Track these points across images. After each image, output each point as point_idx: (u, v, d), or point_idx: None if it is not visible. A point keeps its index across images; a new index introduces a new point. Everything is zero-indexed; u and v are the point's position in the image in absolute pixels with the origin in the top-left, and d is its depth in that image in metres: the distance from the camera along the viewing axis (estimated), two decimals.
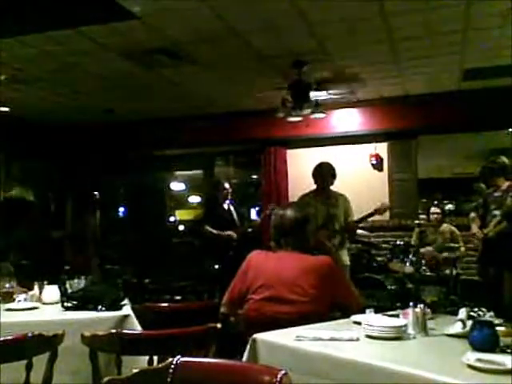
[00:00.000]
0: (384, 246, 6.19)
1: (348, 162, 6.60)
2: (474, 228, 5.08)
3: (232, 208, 6.02)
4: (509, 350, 1.85)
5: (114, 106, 6.73)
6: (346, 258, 4.92)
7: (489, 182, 5.06)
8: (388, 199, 6.58)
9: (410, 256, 5.48)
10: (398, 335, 2.10)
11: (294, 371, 1.81)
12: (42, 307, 3.02)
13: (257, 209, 7.94)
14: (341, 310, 2.70)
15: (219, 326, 2.32)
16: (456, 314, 2.27)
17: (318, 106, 5.35)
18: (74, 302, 2.91)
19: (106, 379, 1.65)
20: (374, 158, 6.66)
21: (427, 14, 4.00)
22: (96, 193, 8.17)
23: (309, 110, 5.30)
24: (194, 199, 9.40)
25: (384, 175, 6.69)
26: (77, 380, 2.51)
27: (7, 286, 3.24)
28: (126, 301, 3.04)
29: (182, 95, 6.24)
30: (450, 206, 7.19)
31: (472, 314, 2.28)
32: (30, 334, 2.10)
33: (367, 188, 6.38)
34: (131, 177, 8.15)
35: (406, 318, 2.23)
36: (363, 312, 2.43)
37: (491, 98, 5.97)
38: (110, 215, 8.43)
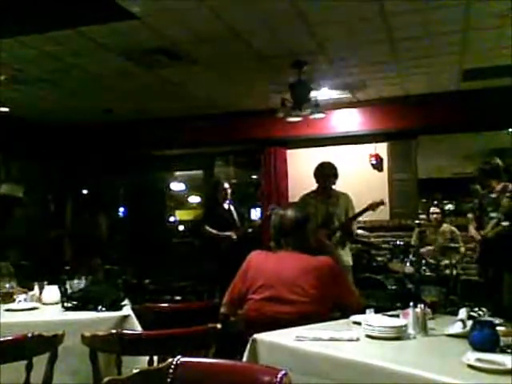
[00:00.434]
0: (384, 246, 6.19)
1: (348, 162, 6.60)
2: (472, 230, 5.08)
3: (232, 208, 6.01)
4: (509, 350, 1.85)
5: (114, 106, 6.73)
6: (348, 259, 4.90)
7: (483, 184, 5.05)
8: (388, 199, 6.59)
9: (410, 256, 5.48)
10: (398, 335, 2.10)
11: (294, 371, 1.81)
12: (42, 307, 3.01)
13: (257, 209, 7.93)
14: (341, 310, 2.71)
15: (219, 326, 2.32)
16: (456, 314, 2.27)
17: (318, 106, 5.35)
18: (74, 303, 2.91)
19: (106, 379, 1.65)
20: (373, 158, 6.66)
21: (427, 15, 4.00)
22: (95, 193, 8.19)
23: (308, 110, 5.30)
24: (194, 199, 9.40)
25: (384, 175, 6.69)
26: (77, 380, 2.52)
27: (7, 286, 3.24)
28: (126, 301, 3.04)
29: (181, 95, 6.24)
30: (449, 206, 7.19)
31: (472, 314, 2.28)
32: (30, 335, 2.10)
33: (367, 188, 6.37)
34: (131, 177, 8.15)
35: (406, 318, 2.23)
36: (363, 312, 2.43)
37: (491, 98, 5.97)
38: (110, 215, 8.43)
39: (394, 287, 5.35)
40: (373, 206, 4.92)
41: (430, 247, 5.90)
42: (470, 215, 5.24)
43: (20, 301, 3.07)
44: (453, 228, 6.09)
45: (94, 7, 3.72)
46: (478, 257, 5.02)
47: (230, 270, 3.04)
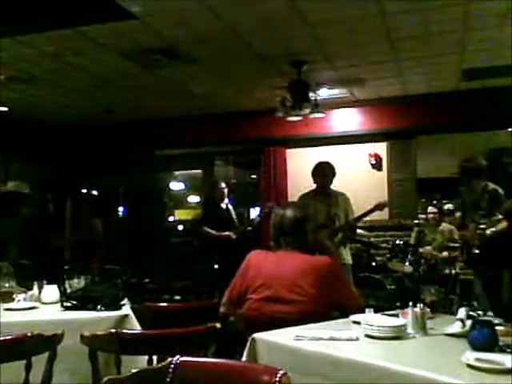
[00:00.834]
0: (383, 245, 6.19)
1: (347, 161, 6.60)
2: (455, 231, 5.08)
3: (230, 207, 6.01)
4: (508, 350, 1.85)
5: (114, 106, 6.73)
6: (348, 258, 4.93)
7: (464, 182, 5.00)
8: (387, 199, 6.59)
9: (409, 256, 5.48)
10: (398, 335, 2.10)
11: (294, 371, 1.81)
12: (42, 307, 3.01)
13: (257, 208, 7.93)
14: (340, 310, 2.70)
15: (219, 325, 2.32)
16: (455, 313, 2.27)
17: (318, 106, 5.36)
18: (74, 302, 2.91)
19: (105, 379, 1.65)
20: (373, 158, 6.66)
21: (426, 14, 4.00)
22: (96, 193, 8.19)
23: (308, 110, 5.31)
24: (194, 199, 9.40)
25: (383, 175, 6.69)
26: (76, 380, 2.51)
27: (6, 285, 3.23)
28: (125, 300, 3.04)
29: (181, 95, 6.24)
30: (449, 206, 7.19)
31: (471, 313, 2.28)
32: (29, 334, 2.10)
33: (366, 188, 6.38)
34: (131, 176, 8.15)
35: (406, 317, 2.23)
36: (363, 312, 2.43)
37: (490, 97, 5.97)
38: (110, 215, 8.43)
39: (393, 287, 5.35)
40: (379, 207, 4.98)
41: (428, 247, 5.90)
42: (457, 214, 5.24)
43: (19, 300, 3.07)
44: (452, 227, 6.09)
45: (93, 7, 3.73)
46: (466, 258, 4.98)
47: (230, 269, 3.04)
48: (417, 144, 6.69)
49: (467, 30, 4.33)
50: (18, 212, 5.10)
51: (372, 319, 2.21)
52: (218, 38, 4.39)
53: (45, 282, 3.17)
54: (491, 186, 4.69)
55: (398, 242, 5.79)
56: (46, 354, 2.17)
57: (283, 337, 2.16)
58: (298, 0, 3.70)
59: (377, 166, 6.68)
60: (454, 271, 5.53)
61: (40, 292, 3.13)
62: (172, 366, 1.72)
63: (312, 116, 5.45)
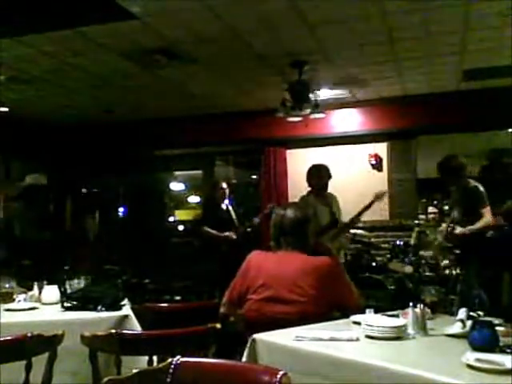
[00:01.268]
0: (384, 246, 6.19)
1: (347, 162, 6.60)
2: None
3: (230, 208, 6.00)
4: (508, 350, 1.85)
5: (114, 106, 6.73)
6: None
7: (445, 183, 5.00)
8: (388, 199, 6.59)
9: (410, 256, 5.48)
10: (398, 335, 2.11)
11: (294, 371, 1.81)
12: (42, 307, 3.01)
13: (257, 209, 7.92)
14: (340, 310, 2.70)
15: (219, 326, 2.32)
16: (455, 314, 2.27)
17: (318, 106, 5.36)
18: (74, 303, 2.91)
19: (105, 379, 1.65)
20: (373, 158, 6.66)
21: (427, 15, 4.00)
22: (96, 192, 8.19)
23: (308, 110, 5.31)
24: (194, 199, 9.39)
25: (383, 175, 6.68)
26: (76, 380, 2.52)
27: (7, 286, 3.24)
28: (125, 301, 3.04)
29: (181, 95, 6.24)
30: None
31: (472, 314, 2.28)
32: (29, 335, 2.10)
33: (366, 188, 6.36)
34: (131, 177, 8.15)
35: (406, 318, 2.23)
36: (363, 312, 2.43)
37: (491, 98, 5.97)
38: (110, 215, 8.43)
39: (393, 287, 5.35)
40: (379, 196, 5.02)
41: (430, 253, 5.88)
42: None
43: (19, 301, 3.07)
44: None
45: (93, 7, 3.72)
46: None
47: (230, 269, 3.04)
48: (417, 144, 6.69)
49: (467, 31, 4.33)
50: (38, 204, 5.23)
51: (372, 320, 2.21)
52: (218, 38, 4.38)
53: (45, 282, 3.17)
54: (472, 183, 4.68)
55: (398, 242, 5.78)
56: (46, 355, 2.17)
57: (283, 337, 2.16)
58: (299, 0, 3.70)
59: (377, 166, 6.68)
60: (454, 272, 5.53)
61: (40, 292, 3.14)
62: (172, 366, 1.72)
63: (312, 116, 5.45)
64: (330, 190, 5.22)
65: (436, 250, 5.87)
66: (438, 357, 1.92)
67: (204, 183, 7.88)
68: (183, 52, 4.72)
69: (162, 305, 3.33)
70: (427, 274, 5.37)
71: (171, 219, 8.93)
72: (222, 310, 2.84)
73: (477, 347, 1.86)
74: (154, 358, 2.25)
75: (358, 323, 2.29)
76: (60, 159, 7.66)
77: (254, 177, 8.15)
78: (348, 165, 6.52)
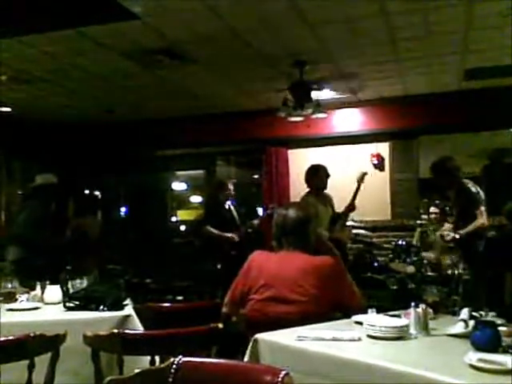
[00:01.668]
0: (386, 245, 6.19)
1: (349, 161, 6.60)
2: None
3: (232, 208, 6.00)
4: (511, 350, 1.85)
5: (115, 106, 6.73)
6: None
7: (439, 184, 4.99)
8: (389, 199, 6.61)
9: (412, 256, 5.48)
10: (400, 335, 2.10)
11: (296, 371, 1.81)
12: (44, 307, 3.02)
13: (259, 209, 7.93)
14: (342, 310, 2.70)
15: (221, 326, 2.32)
16: (457, 314, 2.27)
17: (320, 106, 5.36)
18: (76, 302, 2.91)
19: (107, 379, 1.66)
20: (375, 158, 6.66)
21: (428, 14, 4.00)
22: (98, 193, 8.20)
23: (310, 110, 5.32)
24: (196, 199, 9.39)
25: (385, 175, 6.68)
26: (79, 380, 2.52)
27: (9, 286, 3.24)
28: (127, 301, 3.04)
29: (182, 95, 6.24)
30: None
31: (474, 314, 2.28)
32: (31, 334, 2.11)
33: (368, 188, 6.36)
34: (133, 177, 8.16)
35: (408, 318, 2.22)
36: (365, 312, 2.43)
37: (492, 97, 5.96)
38: (112, 215, 8.44)
39: (395, 287, 5.34)
40: (360, 180, 5.22)
41: (432, 255, 5.87)
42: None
43: (22, 300, 3.07)
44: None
45: (95, 7, 3.73)
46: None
47: (232, 269, 3.04)
48: (419, 144, 6.68)
49: (469, 30, 4.33)
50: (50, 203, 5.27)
51: (374, 320, 2.21)
52: (219, 38, 4.38)
53: (47, 282, 3.18)
54: (465, 185, 4.67)
55: (400, 242, 5.78)
56: (49, 355, 2.17)
57: (285, 337, 2.16)
58: (299, 0, 3.70)
59: (379, 166, 6.67)
60: (456, 272, 5.52)
61: (43, 292, 3.14)
62: (174, 366, 1.72)
63: (314, 116, 5.46)
64: (331, 189, 5.24)
65: (438, 250, 5.87)
66: (440, 357, 1.92)
67: (206, 183, 7.89)
68: (184, 52, 4.72)
69: (164, 305, 3.33)
70: (429, 273, 5.37)
71: (173, 219, 8.93)
72: (224, 309, 2.83)
73: (479, 347, 1.86)
74: (156, 357, 2.25)
75: (360, 323, 2.29)
76: (61, 159, 7.66)
77: (256, 177, 8.15)
78: (349, 165, 6.52)
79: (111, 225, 8.16)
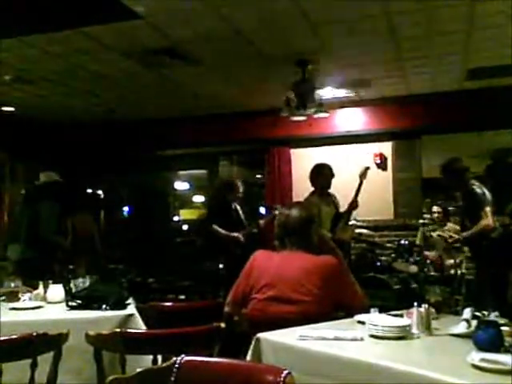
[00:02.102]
0: (388, 245, 6.18)
1: (352, 161, 6.59)
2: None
3: (238, 208, 5.99)
4: None
5: (117, 106, 6.74)
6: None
7: (448, 185, 4.99)
8: (392, 199, 6.60)
9: (415, 256, 5.47)
10: (403, 335, 2.10)
11: (298, 371, 1.82)
12: (47, 306, 3.03)
13: (261, 209, 7.93)
14: (345, 309, 2.70)
15: (223, 325, 2.33)
16: (460, 313, 2.26)
17: (322, 106, 5.35)
18: (79, 301, 2.92)
19: (110, 378, 1.66)
20: (377, 158, 6.65)
21: (430, 14, 3.99)
22: (100, 192, 8.21)
23: (312, 110, 5.31)
24: (198, 199, 9.41)
25: (388, 175, 6.67)
26: (81, 379, 2.52)
27: (12, 285, 3.25)
28: (130, 300, 3.04)
29: (185, 95, 6.24)
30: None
31: (477, 313, 2.27)
32: (34, 334, 2.11)
33: (371, 187, 6.36)
34: (135, 177, 8.17)
35: (410, 317, 2.22)
36: (367, 312, 2.42)
37: (495, 97, 5.95)
38: (114, 215, 8.45)
39: (398, 287, 5.34)
40: (362, 175, 5.17)
41: (434, 253, 5.87)
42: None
43: (25, 300, 3.09)
44: (457, 227, 6.07)
45: (97, 7, 3.73)
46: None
47: (238, 269, 3.03)
48: (421, 144, 6.67)
49: (471, 30, 4.32)
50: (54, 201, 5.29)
51: (377, 319, 2.21)
52: (221, 37, 4.38)
53: (50, 281, 3.18)
54: (472, 186, 4.66)
55: (403, 241, 5.77)
56: (52, 354, 2.18)
57: (287, 337, 2.16)
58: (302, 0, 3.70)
59: (382, 165, 6.66)
60: (459, 271, 5.51)
61: (45, 291, 3.15)
62: (177, 365, 1.73)
63: (316, 116, 5.45)
64: (334, 189, 5.23)
65: (441, 249, 5.86)
66: (442, 357, 1.92)
67: (209, 183, 7.90)
68: (186, 52, 4.72)
69: (167, 304, 3.33)
70: (432, 273, 5.36)
71: (176, 219, 8.95)
72: (226, 309, 2.84)
73: (482, 347, 1.86)
74: (159, 357, 2.25)
75: (363, 323, 2.29)
76: (62, 159, 7.67)
77: (258, 176, 8.15)
78: (352, 164, 6.51)
79: (114, 225, 8.18)
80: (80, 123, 7.42)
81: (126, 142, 7.68)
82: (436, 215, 6.17)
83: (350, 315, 2.52)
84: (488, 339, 1.88)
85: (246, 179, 8.36)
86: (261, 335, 2.20)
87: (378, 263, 5.88)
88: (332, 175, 5.11)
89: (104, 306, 2.85)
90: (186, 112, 7.04)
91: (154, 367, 2.01)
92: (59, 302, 3.04)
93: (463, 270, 5.64)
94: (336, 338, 2.08)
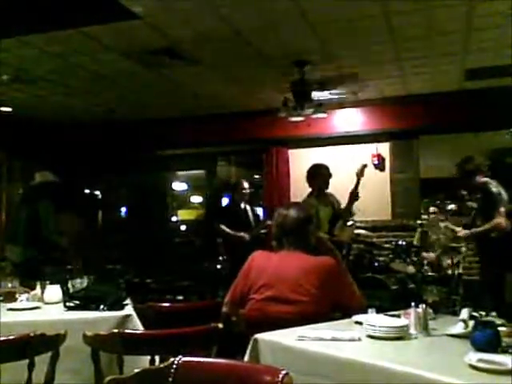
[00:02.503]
0: (386, 246, 6.18)
1: (350, 161, 6.59)
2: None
3: (248, 208, 5.99)
4: (510, 351, 1.85)
5: (116, 106, 6.74)
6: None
7: (465, 183, 4.95)
8: (390, 199, 6.60)
9: (412, 256, 5.48)
10: (400, 335, 2.10)
11: (296, 371, 1.81)
12: (44, 307, 3.02)
13: (259, 209, 7.93)
14: (342, 310, 2.70)
15: (221, 325, 2.33)
16: (458, 314, 2.27)
17: (320, 106, 5.35)
18: (76, 302, 2.91)
19: (107, 379, 1.66)
20: (375, 158, 6.65)
21: (429, 14, 3.99)
22: (98, 192, 8.20)
23: (310, 110, 5.31)
24: (196, 199, 9.40)
25: (386, 175, 6.68)
26: (79, 380, 2.52)
27: (9, 285, 3.24)
28: (128, 300, 3.04)
29: (183, 95, 6.24)
30: (452, 206, 7.19)
31: (474, 314, 2.28)
32: (32, 334, 2.11)
33: (369, 188, 6.37)
34: (133, 177, 8.16)
35: (408, 318, 2.22)
36: (365, 312, 2.43)
37: (493, 97, 5.96)
38: (112, 215, 8.44)
39: (395, 287, 5.34)
40: (359, 173, 5.04)
41: (432, 254, 5.87)
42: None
43: (22, 300, 3.08)
44: (456, 228, 6.07)
45: (96, 7, 3.73)
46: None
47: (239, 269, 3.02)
48: (419, 144, 6.68)
49: (470, 30, 4.32)
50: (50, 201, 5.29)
51: (374, 320, 2.21)
52: (220, 37, 4.38)
53: (48, 281, 3.18)
54: (488, 185, 4.65)
55: (400, 242, 5.77)
56: (49, 354, 2.17)
57: (285, 337, 2.16)
58: (301, 0, 3.70)
59: (379, 166, 6.67)
60: (457, 272, 5.52)
61: (43, 292, 3.14)
62: (174, 366, 1.73)
63: (314, 116, 5.45)
64: (331, 189, 5.22)
65: (439, 250, 5.87)
66: (439, 357, 1.92)
67: (207, 183, 7.90)
68: (185, 52, 4.72)
69: (164, 304, 3.32)
70: (429, 273, 5.37)
71: (174, 219, 8.94)
72: (224, 309, 2.83)
73: (479, 347, 1.86)
74: (156, 357, 2.25)
75: (360, 323, 2.29)
76: (61, 159, 7.66)
77: (256, 176, 8.15)
78: (350, 165, 6.51)
79: (111, 225, 8.17)
80: (80, 123, 7.41)
81: (125, 142, 7.68)
82: (433, 216, 6.18)
83: (348, 315, 2.52)
84: (485, 339, 1.88)
85: (243, 179, 8.38)
86: (259, 336, 2.20)
87: (376, 264, 5.88)
88: (329, 175, 5.09)
89: (102, 307, 2.85)
90: (186, 112, 7.04)
91: (152, 368, 2.01)
92: (57, 303, 3.04)
93: (460, 271, 5.66)
94: (334, 339, 2.08)
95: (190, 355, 1.80)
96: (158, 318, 2.94)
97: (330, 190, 5.23)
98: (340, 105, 6.60)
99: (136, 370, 1.71)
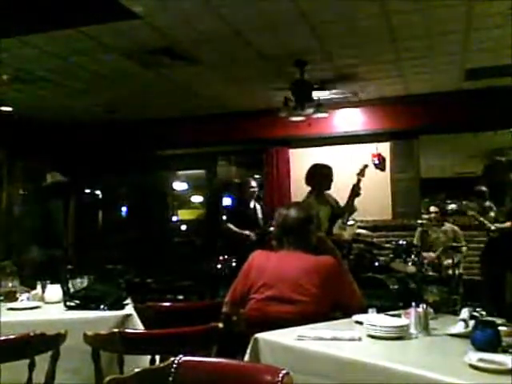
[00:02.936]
0: (386, 245, 6.18)
1: (350, 161, 6.59)
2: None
3: (258, 207, 5.99)
4: (511, 350, 1.85)
5: (117, 106, 6.74)
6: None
7: (492, 181, 4.97)
8: (390, 199, 6.60)
9: (413, 256, 5.47)
10: (400, 335, 2.10)
11: (296, 371, 1.81)
12: (45, 306, 3.02)
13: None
14: (343, 309, 2.70)
15: (221, 325, 2.33)
16: (458, 313, 2.27)
17: (320, 106, 5.35)
18: (77, 302, 2.91)
19: (108, 378, 1.66)
20: (376, 158, 6.65)
21: (429, 14, 3.99)
22: (98, 192, 8.21)
23: (311, 110, 5.31)
24: (197, 199, 9.40)
25: (386, 175, 6.68)
26: (79, 379, 2.52)
27: (10, 285, 3.24)
28: (128, 300, 3.04)
29: (184, 95, 6.24)
30: (452, 206, 7.19)
31: (474, 313, 2.28)
32: (32, 334, 2.11)
33: (369, 188, 6.36)
34: (133, 177, 8.16)
35: (408, 317, 2.22)
36: (365, 312, 2.42)
37: (493, 97, 5.96)
38: (113, 215, 8.44)
39: (396, 287, 5.33)
40: (360, 173, 5.00)
41: (432, 254, 5.87)
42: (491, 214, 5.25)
43: (23, 300, 3.08)
44: (455, 227, 6.08)
45: (96, 7, 3.73)
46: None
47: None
48: (420, 144, 6.68)
49: (470, 30, 4.32)
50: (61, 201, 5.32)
51: (374, 319, 2.21)
52: (220, 37, 4.39)
53: (48, 281, 3.18)
54: None
55: (401, 242, 5.76)
56: (49, 354, 2.17)
57: (285, 337, 2.16)
58: (300, 0, 3.70)
59: (380, 166, 6.67)
60: (457, 271, 5.52)
61: (43, 291, 3.14)
62: (174, 365, 1.73)
63: (315, 116, 5.45)
64: (332, 189, 5.21)
65: (439, 249, 5.87)
66: (440, 356, 1.92)
67: (208, 183, 7.90)
68: (185, 52, 4.72)
69: (165, 304, 3.32)
70: (430, 273, 5.37)
71: (174, 219, 8.94)
72: (224, 309, 2.83)
73: (479, 347, 1.86)
74: (157, 357, 2.25)
75: (361, 323, 2.29)
76: (62, 159, 7.66)
77: (257, 176, 8.15)
78: (350, 165, 6.51)
79: (112, 225, 8.17)
80: (80, 123, 7.41)
81: (125, 142, 7.68)
82: (433, 215, 6.17)
83: (348, 315, 2.52)
84: (485, 339, 1.88)
85: (244, 179, 8.37)
86: (259, 335, 2.20)
87: (376, 263, 5.88)
88: (331, 175, 5.04)
89: (102, 306, 2.85)
90: (186, 112, 7.03)
91: (152, 367, 2.01)
92: (57, 302, 3.04)
93: (461, 270, 5.66)
94: (334, 338, 2.08)
95: (190, 355, 1.80)
96: (158, 318, 2.94)
97: (331, 189, 5.21)
98: (340, 105, 6.60)
99: (136, 370, 1.71)
